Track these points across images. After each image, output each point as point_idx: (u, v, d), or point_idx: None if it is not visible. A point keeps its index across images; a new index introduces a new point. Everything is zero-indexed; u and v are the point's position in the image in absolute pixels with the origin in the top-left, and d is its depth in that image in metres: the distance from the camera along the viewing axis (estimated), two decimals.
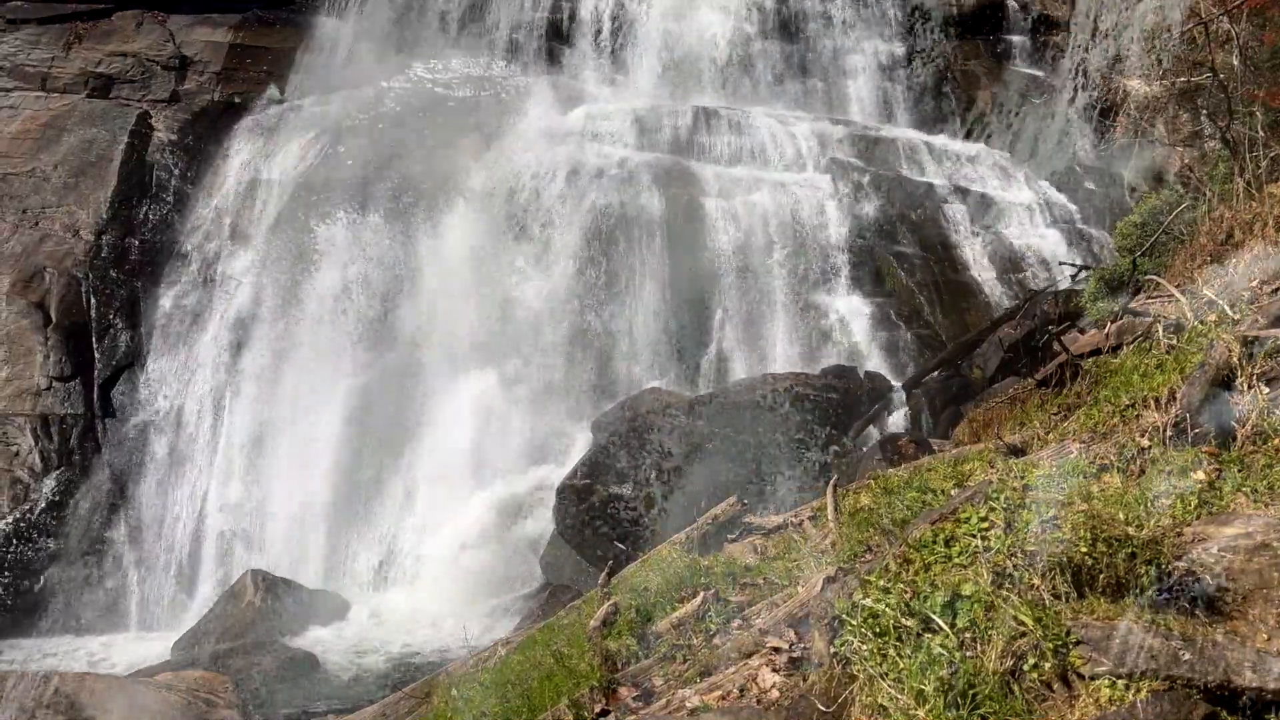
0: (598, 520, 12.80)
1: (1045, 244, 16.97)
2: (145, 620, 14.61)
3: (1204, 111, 15.13)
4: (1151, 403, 5.33)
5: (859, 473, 10.13)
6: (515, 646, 7.17)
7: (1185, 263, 9.73)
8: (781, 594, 5.28)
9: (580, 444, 14.35)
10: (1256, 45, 12.84)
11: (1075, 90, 19.27)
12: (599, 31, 20.47)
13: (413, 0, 20.53)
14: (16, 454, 15.23)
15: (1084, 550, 3.66)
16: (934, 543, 4.14)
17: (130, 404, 16.05)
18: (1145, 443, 5.02)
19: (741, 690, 4.25)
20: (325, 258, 16.65)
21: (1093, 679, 3.28)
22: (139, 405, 16.05)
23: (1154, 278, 9.28)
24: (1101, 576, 3.64)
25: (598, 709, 4.69)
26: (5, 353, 15.91)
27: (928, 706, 3.38)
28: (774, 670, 4.26)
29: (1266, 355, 5.26)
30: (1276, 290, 6.73)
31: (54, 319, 16.31)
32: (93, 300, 16.63)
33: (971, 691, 3.38)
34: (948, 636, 3.55)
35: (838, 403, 13.32)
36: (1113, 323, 8.44)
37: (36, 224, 17.28)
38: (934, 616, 3.64)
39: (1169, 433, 4.97)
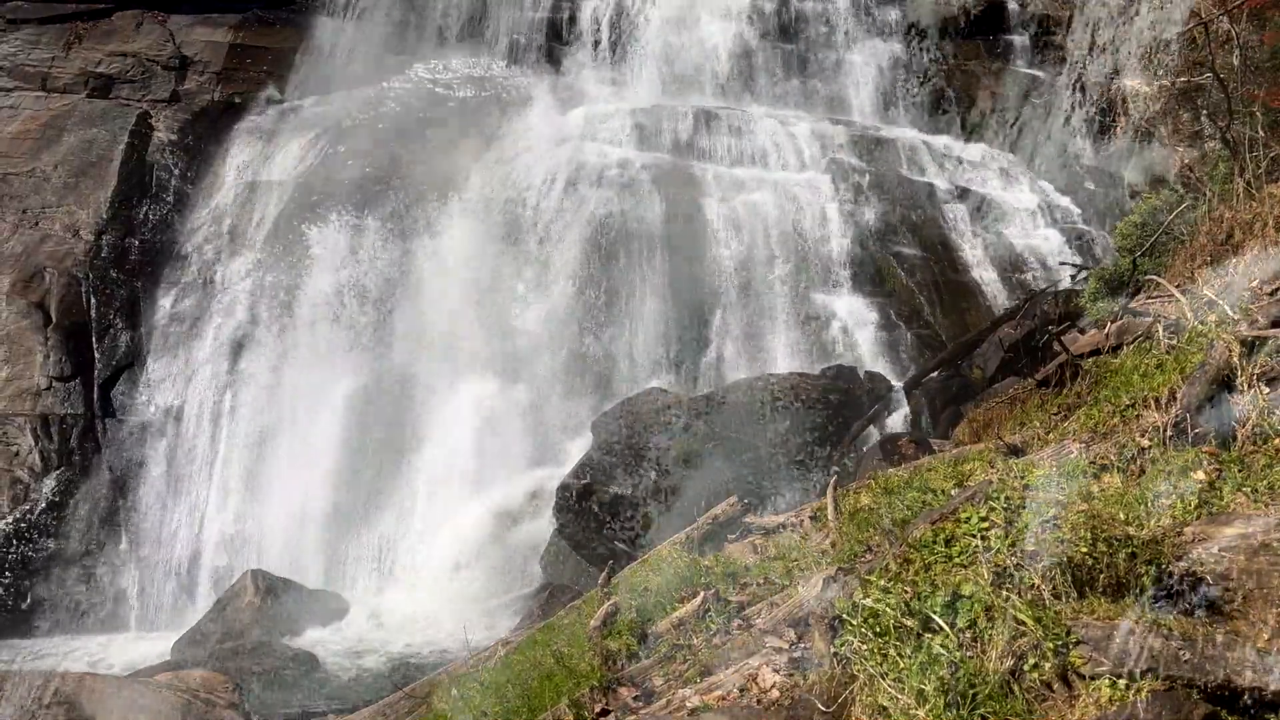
0: (598, 520, 12.78)
1: (1046, 245, 16.98)
2: (145, 620, 14.60)
3: (1204, 111, 15.14)
4: (1151, 403, 5.34)
5: (859, 473, 10.14)
6: (515, 646, 7.16)
7: (1185, 263, 9.72)
8: (781, 594, 5.28)
9: (580, 445, 14.34)
10: (1256, 45, 12.86)
11: (1075, 92, 19.27)
12: (598, 40, 20.44)
13: (413, 0, 20.54)
14: (16, 454, 15.22)
15: (1084, 550, 3.67)
16: (934, 543, 4.14)
17: (130, 404, 16.03)
18: (1145, 443, 5.02)
19: (742, 690, 4.25)
20: (325, 260, 16.64)
21: (1093, 679, 3.28)
22: (139, 405, 16.03)
23: (1154, 278, 9.27)
24: (1102, 576, 3.64)
25: (598, 709, 4.68)
26: (5, 353, 15.91)
27: (928, 706, 3.39)
28: (774, 670, 4.26)
29: (1267, 355, 5.26)
30: (1276, 290, 6.72)
31: (54, 319, 16.31)
32: (93, 300, 16.63)
33: (972, 691, 3.39)
34: (948, 636, 3.55)
35: (838, 402, 13.32)
36: (1113, 323, 8.43)
37: (36, 224, 17.28)
38: (934, 616, 3.64)
39: (1169, 433, 4.97)
